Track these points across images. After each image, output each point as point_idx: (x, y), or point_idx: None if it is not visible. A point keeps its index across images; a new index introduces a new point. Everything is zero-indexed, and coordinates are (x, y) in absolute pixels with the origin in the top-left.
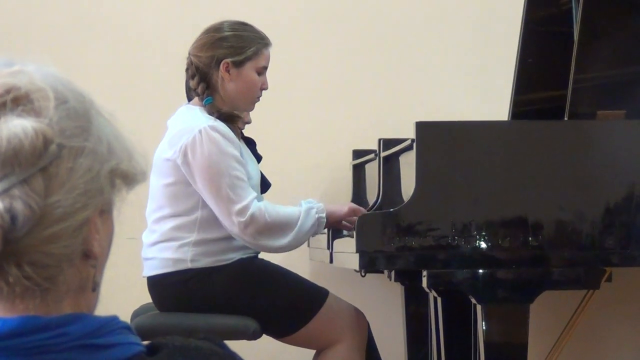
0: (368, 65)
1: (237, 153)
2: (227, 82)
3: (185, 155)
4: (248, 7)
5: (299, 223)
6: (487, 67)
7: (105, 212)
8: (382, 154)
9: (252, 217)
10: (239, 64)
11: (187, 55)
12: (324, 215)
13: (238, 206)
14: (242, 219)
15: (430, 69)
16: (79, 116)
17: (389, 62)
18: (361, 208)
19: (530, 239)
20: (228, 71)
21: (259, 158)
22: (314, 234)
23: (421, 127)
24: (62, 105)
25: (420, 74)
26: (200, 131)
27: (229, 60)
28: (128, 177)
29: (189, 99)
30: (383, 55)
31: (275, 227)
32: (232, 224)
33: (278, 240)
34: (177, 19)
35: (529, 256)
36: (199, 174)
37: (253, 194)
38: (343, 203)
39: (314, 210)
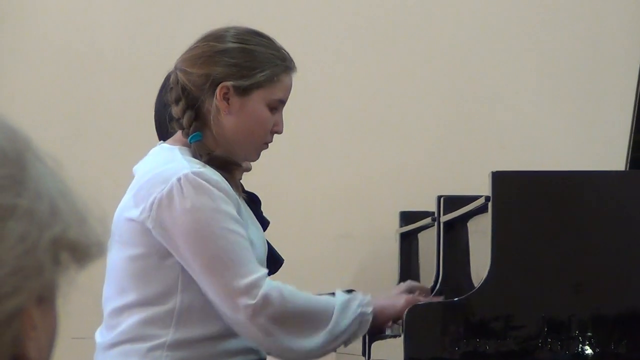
0: (423, 93)
1: (234, 211)
2: (224, 114)
3: (158, 213)
4: (260, 15)
5: (332, 319)
6: (591, 95)
7: (46, 299)
8: (443, 218)
9: (265, 300)
10: (243, 91)
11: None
12: (369, 311)
13: (243, 282)
14: (251, 302)
15: (511, 102)
16: (8, 162)
17: (453, 89)
18: (420, 297)
19: None
20: (227, 99)
21: (265, 223)
22: (352, 338)
23: (500, 179)
24: None
25: (497, 109)
26: (179, 179)
27: (229, 83)
28: (78, 249)
29: (163, 134)
30: (444, 79)
31: (298, 320)
32: (233, 309)
33: (301, 340)
34: (152, 24)
35: None
36: (183, 239)
37: (263, 268)
38: (395, 294)
39: (355, 303)
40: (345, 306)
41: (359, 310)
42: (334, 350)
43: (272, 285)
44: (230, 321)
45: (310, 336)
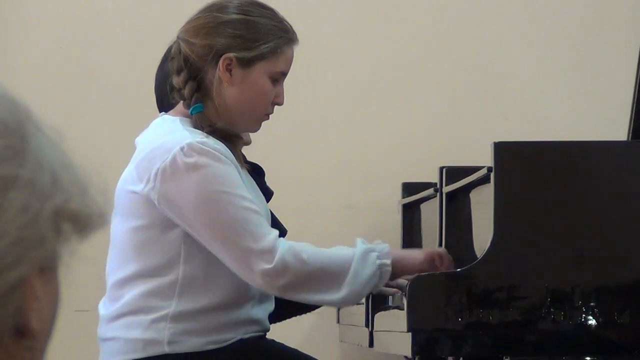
0: (426, 64)
1: (239, 177)
2: (226, 85)
3: (162, 184)
4: None
5: (351, 270)
6: (593, 66)
7: (48, 269)
8: (446, 189)
9: (283, 263)
10: (246, 63)
11: (174, 40)
12: (388, 262)
13: (258, 246)
14: (269, 266)
15: (513, 73)
16: (9, 132)
17: (455, 60)
18: (444, 253)
19: None
20: (229, 70)
21: (268, 193)
22: (374, 289)
23: (502, 149)
24: None
25: (499, 80)
26: (182, 148)
27: (232, 55)
28: (80, 219)
29: (164, 106)
30: (447, 50)
31: (318, 277)
32: (250, 273)
33: (320, 295)
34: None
35: None
36: (191, 208)
37: (274, 229)
38: (418, 249)
39: (374, 255)
40: (364, 258)
41: (377, 262)
42: (357, 301)
43: (287, 247)
44: (249, 283)
45: (329, 290)
